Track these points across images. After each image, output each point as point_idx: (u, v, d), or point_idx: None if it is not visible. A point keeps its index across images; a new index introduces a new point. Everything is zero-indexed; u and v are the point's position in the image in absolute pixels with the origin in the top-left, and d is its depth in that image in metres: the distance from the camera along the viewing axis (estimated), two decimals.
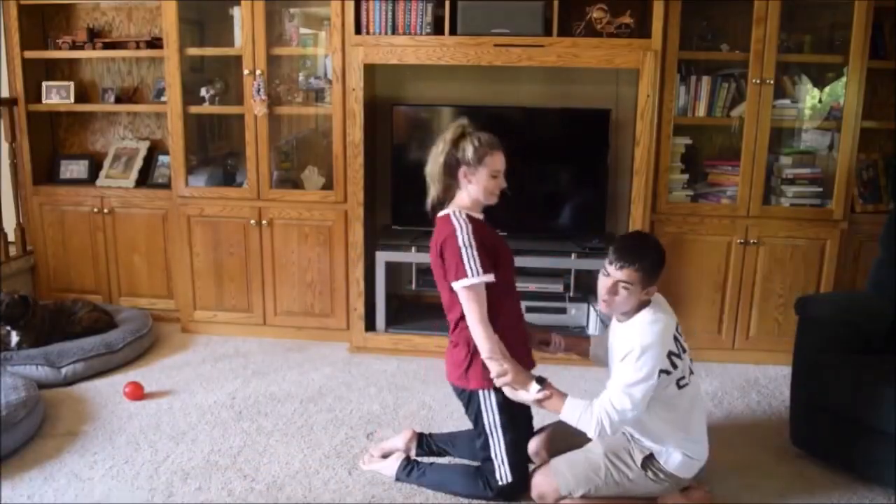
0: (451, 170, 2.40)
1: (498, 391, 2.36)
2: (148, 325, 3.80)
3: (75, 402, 3.18)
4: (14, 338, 3.39)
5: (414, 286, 3.91)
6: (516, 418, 2.41)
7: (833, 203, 3.52)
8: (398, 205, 3.76)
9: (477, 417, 2.42)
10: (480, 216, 2.46)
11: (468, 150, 2.37)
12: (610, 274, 2.25)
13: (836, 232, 3.53)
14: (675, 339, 2.27)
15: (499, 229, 3.68)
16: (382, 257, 3.68)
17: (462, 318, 2.38)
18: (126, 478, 2.60)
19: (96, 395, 3.23)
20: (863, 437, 2.53)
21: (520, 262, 3.67)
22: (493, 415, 2.39)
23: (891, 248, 2.96)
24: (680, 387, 2.29)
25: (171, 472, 2.64)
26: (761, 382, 3.48)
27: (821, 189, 3.58)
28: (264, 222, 3.83)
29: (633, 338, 2.22)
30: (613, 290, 2.24)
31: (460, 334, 2.41)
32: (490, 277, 2.32)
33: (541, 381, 2.29)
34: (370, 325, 3.77)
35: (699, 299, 3.66)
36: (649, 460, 2.34)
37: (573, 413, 2.24)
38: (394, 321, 3.80)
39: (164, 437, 2.88)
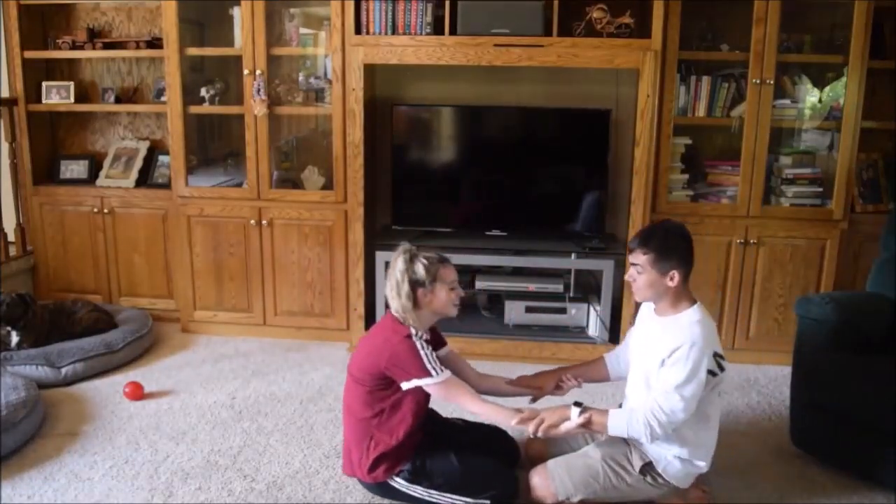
0: (408, 295, 2.39)
1: (401, 471, 2.39)
2: (148, 325, 3.80)
3: (75, 402, 3.18)
4: (14, 338, 3.40)
5: None
6: (430, 470, 2.39)
7: (833, 203, 3.52)
8: (398, 205, 3.77)
9: (405, 499, 2.42)
10: (427, 335, 2.47)
11: (419, 271, 2.38)
12: (629, 262, 2.34)
13: (836, 232, 3.53)
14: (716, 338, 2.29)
15: (499, 230, 3.73)
16: (382, 257, 3.68)
17: (373, 416, 2.38)
18: (126, 478, 2.60)
19: (96, 395, 3.23)
20: (863, 437, 2.53)
21: (520, 262, 3.70)
22: (412, 487, 2.39)
23: (891, 248, 2.96)
24: (718, 394, 2.30)
25: (171, 472, 2.64)
26: (761, 382, 3.48)
27: (821, 189, 3.58)
28: (264, 222, 3.83)
29: (680, 336, 2.22)
30: (631, 275, 2.32)
31: (364, 431, 2.41)
32: (448, 374, 2.35)
33: (578, 404, 2.28)
34: (370, 326, 3.77)
35: (699, 299, 3.62)
36: (648, 467, 2.34)
37: (620, 424, 2.23)
38: None
39: (164, 437, 2.88)
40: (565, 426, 2.26)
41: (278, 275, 3.88)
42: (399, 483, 2.40)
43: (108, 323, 3.70)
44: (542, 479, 2.37)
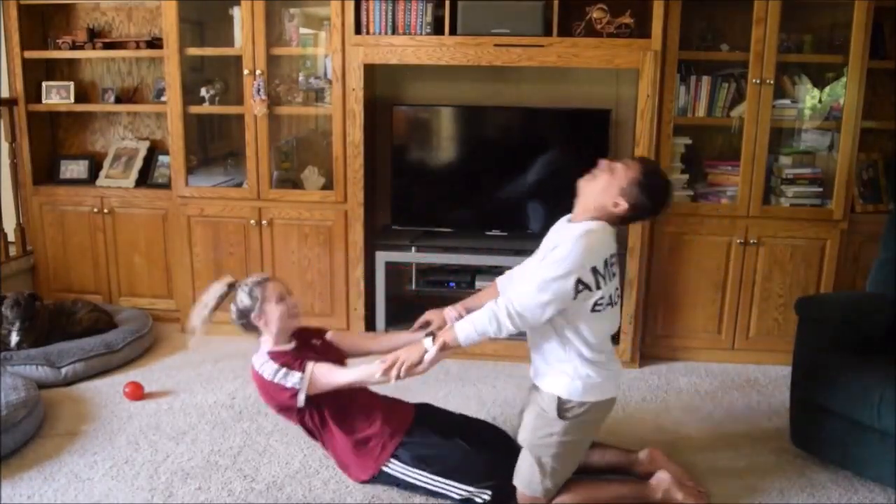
0: (247, 324, 2.48)
1: (393, 455, 2.41)
2: (148, 325, 3.80)
3: (75, 402, 3.18)
4: (14, 337, 3.40)
5: (414, 286, 3.91)
6: (429, 455, 2.41)
7: (833, 203, 3.52)
8: (398, 205, 3.77)
9: (406, 487, 2.43)
10: (290, 345, 2.51)
11: (244, 300, 2.46)
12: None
13: (836, 232, 3.53)
14: (606, 262, 2.24)
15: (499, 230, 3.73)
16: (382, 257, 3.68)
17: (323, 424, 2.45)
18: (126, 478, 2.60)
19: (96, 395, 3.23)
20: (863, 437, 2.53)
21: (520, 262, 3.66)
22: (412, 471, 2.41)
23: (891, 248, 2.96)
24: (593, 310, 2.24)
25: (171, 472, 2.64)
26: (761, 382, 3.48)
27: (821, 189, 3.57)
28: (264, 222, 3.83)
29: (563, 238, 2.22)
30: (594, 173, 2.29)
31: (329, 435, 2.47)
32: (309, 367, 2.38)
33: (430, 335, 2.29)
34: (370, 325, 3.78)
35: (699, 299, 3.66)
36: (560, 407, 2.29)
37: (468, 328, 2.22)
38: (394, 321, 3.79)
39: (164, 437, 2.88)
40: (427, 358, 2.26)
41: (278, 275, 3.87)
42: (396, 468, 2.41)
43: (108, 323, 3.70)
44: (522, 498, 2.38)
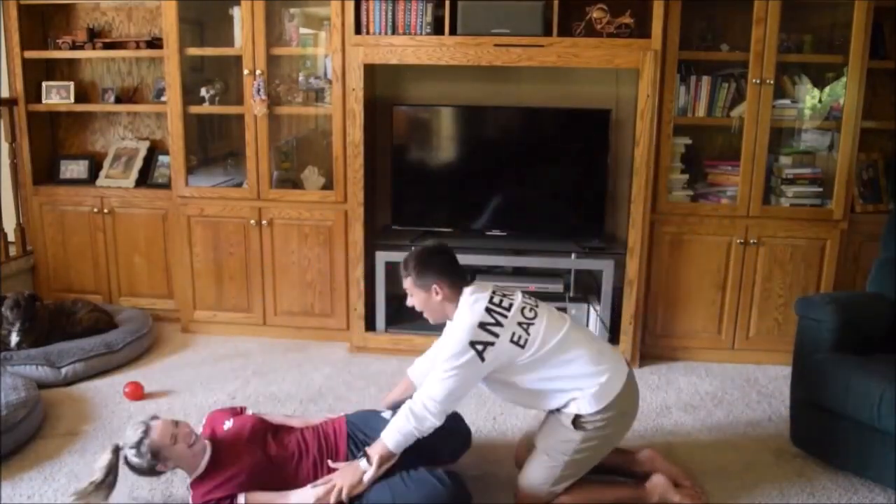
0: (160, 473, 2.32)
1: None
2: (148, 325, 3.80)
3: (75, 402, 3.18)
4: (14, 338, 3.40)
5: None
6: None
7: (833, 203, 3.52)
8: (398, 205, 3.77)
9: None
10: (203, 462, 2.30)
11: (137, 462, 2.26)
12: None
13: (836, 232, 3.53)
14: (489, 310, 2.27)
15: (499, 230, 3.73)
16: (382, 257, 3.68)
17: None
18: (126, 478, 2.59)
19: (96, 395, 3.23)
20: (863, 437, 2.53)
21: (520, 262, 3.70)
22: None
23: (891, 248, 2.96)
24: (537, 353, 2.27)
25: (171, 471, 2.63)
26: (761, 382, 3.48)
27: (821, 189, 3.58)
28: (264, 222, 3.83)
29: (445, 339, 2.33)
30: (410, 302, 2.44)
31: None
32: (243, 498, 2.23)
33: (363, 455, 2.26)
34: (370, 325, 3.78)
35: (699, 299, 3.66)
36: (577, 423, 2.31)
37: (394, 435, 2.24)
38: (394, 321, 3.80)
39: None
40: (367, 477, 2.23)
41: (278, 275, 3.88)
42: None
43: (108, 323, 3.70)
44: (522, 497, 2.39)
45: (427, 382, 2.28)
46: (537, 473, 2.37)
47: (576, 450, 2.32)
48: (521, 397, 2.43)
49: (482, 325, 2.25)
